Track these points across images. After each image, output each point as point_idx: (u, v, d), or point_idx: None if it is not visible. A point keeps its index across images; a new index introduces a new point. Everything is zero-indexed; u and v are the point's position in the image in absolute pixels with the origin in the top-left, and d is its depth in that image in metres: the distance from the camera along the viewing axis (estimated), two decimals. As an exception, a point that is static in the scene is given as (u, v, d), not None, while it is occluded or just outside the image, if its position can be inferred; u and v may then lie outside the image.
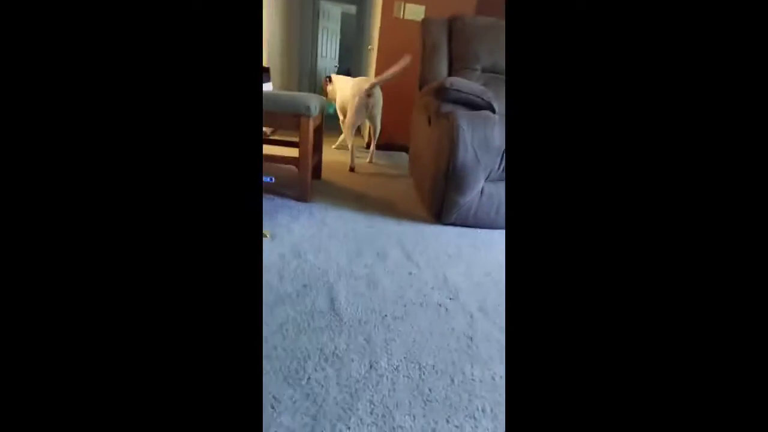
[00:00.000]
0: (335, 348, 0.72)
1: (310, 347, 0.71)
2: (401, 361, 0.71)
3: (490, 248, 1.30)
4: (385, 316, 0.84)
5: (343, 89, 2.44)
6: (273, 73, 2.74)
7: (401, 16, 2.72)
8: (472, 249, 1.27)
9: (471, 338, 0.81)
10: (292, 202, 1.53)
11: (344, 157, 2.51)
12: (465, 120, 1.31)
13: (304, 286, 0.92)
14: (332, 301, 0.87)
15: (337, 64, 6.95)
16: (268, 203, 1.48)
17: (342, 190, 1.81)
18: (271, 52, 2.72)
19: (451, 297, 0.96)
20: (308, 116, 1.43)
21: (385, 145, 3.04)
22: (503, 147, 1.31)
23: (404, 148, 3.03)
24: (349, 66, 7.16)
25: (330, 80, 2.65)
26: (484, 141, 1.31)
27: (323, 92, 2.73)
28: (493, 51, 1.77)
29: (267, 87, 1.67)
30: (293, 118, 1.44)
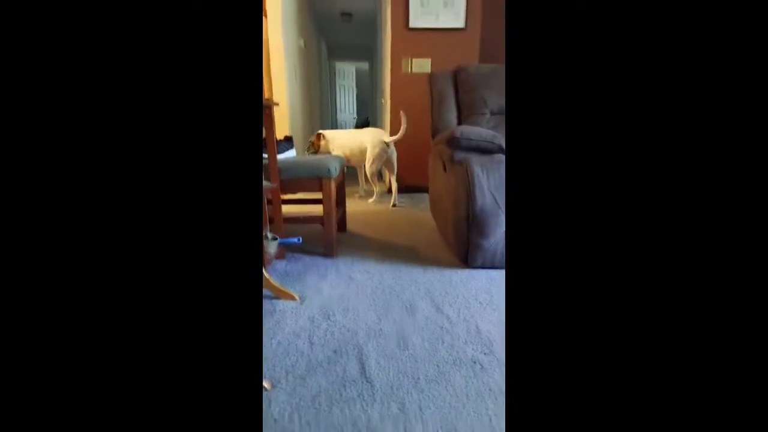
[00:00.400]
0: (368, 420, 0.71)
1: (343, 421, 0.70)
2: (438, 430, 0.69)
3: (521, 292, 1.26)
4: (418, 379, 0.82)
5: (345, 142, 2.60)
6: (296, 140, 2.93)
7: (409, 71, 2.88)
8: (503, 294, 1.24)
9: (510, 397, 0.77)
10: (320, 259, 1.57)
11: (366, 207, 2.57)
12: (479, 166, 1.34)
13: (335, 351, 0.92)
14: (363, 365, 0.87)
15: (355, 116, 7.34)
16: (298, 264, 1.53)
17: (367, 241, 1.84)
18: (292, 121, 2.93)
19: (486, 351, 0.93)
20: (329, 177, 1.51)
21: (406, 187, 3.10)
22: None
23: (424, 189, 3.08)
24: (367, 116, 7.54)
25: (321, 137, 2.65)
26: (500, 184, 1.32)
27: (314, 149, 2.69)
28: (500, 94, 1.82)
29: (291, 154, 1.79)
30: (316, 180, 1.52)
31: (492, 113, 1.87)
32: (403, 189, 3.10)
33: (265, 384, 0.78)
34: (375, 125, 5.70)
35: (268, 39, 2.67)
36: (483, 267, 1.44)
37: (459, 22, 2.87)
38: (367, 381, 0.82)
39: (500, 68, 1.92)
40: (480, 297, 1.22)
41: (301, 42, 3.47)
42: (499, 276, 1.39)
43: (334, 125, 6.55)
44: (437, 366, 0.87)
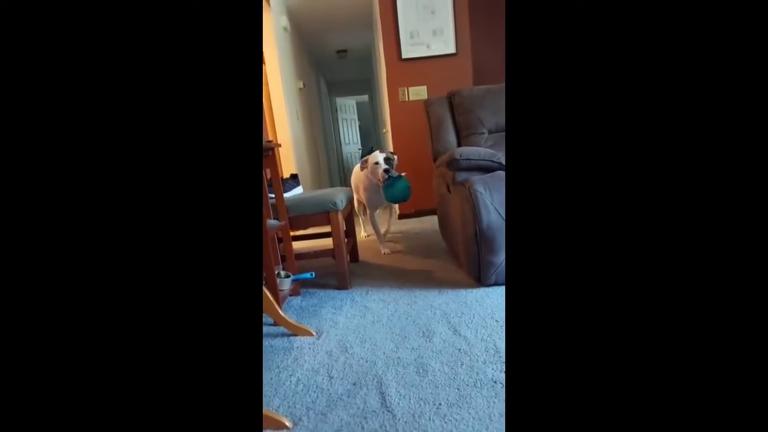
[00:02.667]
0: (392, 451, 0.70)
1: (366, 454, 0.70)
2: (462, 456, 0.67)
3: (539, 306, 1.24)
4: (440, 405, 0.81)
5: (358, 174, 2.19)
6: (303, 177, 3.02)
7: (407, 100, 2.98)
8: (520, 310, 1.22)
9: (535, 417, 0.75)
10: (335, 292, 1.59)
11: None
12: (481, 185, 1.36)
13: (354, 384, 0.92)
14: (383, 396, 0.86)
15: (360, 147, 7.51)
16: (313, 298, 1.55)
17: (380, 269, 1.85)
18: (298, 159, 3.03)
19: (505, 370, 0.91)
20: (336, 210, 1.55)
21: (415, 212, 3.13)
22: (525, 201, 1.32)
23: (432, 212, 3.10)
24: (371, 146, 7.72)
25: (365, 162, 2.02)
26: (504, 200, 1.33)
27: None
28: (495, 113, 1.87)
29: (298, 191, 1.85)
30: (324, 215, 1.56)
31: (490, 132, 1.91)
32: (411, 214, 3.13)
33: (286, 422, 0.78)
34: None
35: (267, 84, 2.82)
36: (497, 284, 1.43)
37: (450, 49, 2.98)
38: (389, 411, 0.81)
39: (493, 88, 1.97)
40: (496, 315, 1.21)
41: (300, 83, 3.64)
42: (514, 292, 1.37)
43: (340, 158, 6.72)
44: (458, 389, 0.86)
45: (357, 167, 2.21)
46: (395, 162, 1.96)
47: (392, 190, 1.89)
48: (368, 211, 2.17)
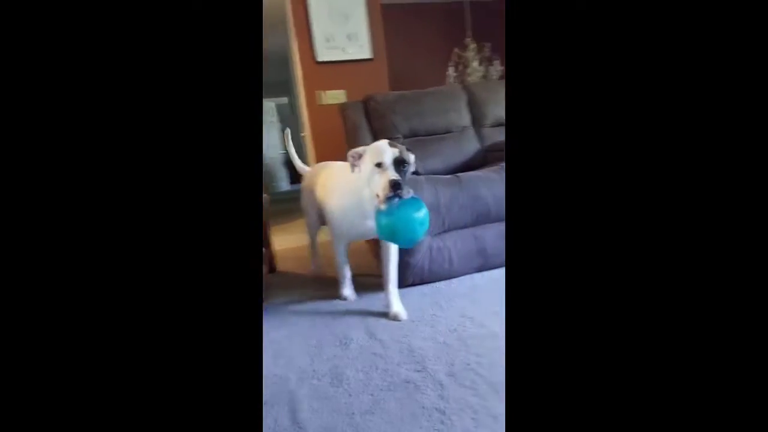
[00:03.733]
0: (300, 472, 0.67)
1: (272, 480, 0.66)
2: (373, 464, 0.67)
3: (451, 301, 1.31)
4: (353, 414, 0.80)
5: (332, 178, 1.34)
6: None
7: (324, 103, 2.95)
8: (435, 307, 1.28)
9: (443, 411, 0.78)
10: (250, 307, 1.49)
11: (299, 242, 2.51)
12: (393, 188, 1.38)
13: (265, 403, 0.87)
14: (294, 413, 0.82)
15: (282, 151, 7.24)
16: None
17: (299, 278, 1.79)
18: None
19: (418, 369, 0.94)
20: (247, 220, 1.46)
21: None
22: (435, 203, 1.39)
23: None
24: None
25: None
26: (416, 203, 1.38)
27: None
28: (408, 118, 1.94)
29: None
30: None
31: (405, 137, 1.97)
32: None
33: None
34: (302, 159, 5.64)
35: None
36: (413, 284, 1.48)
37: (366, 53, 3.02)
38: (300, 428, 0.77)
39: (406, 94, 2.04)
40: (412, 314, 1.24)
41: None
42: (430, 290, 1.43)
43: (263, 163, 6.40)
44: (371, 395, 0.86)
45: (317, 166, 1.41)
46: (410, 168, 1.06)
47: (394, 220, 0.98)
48: (334, 242, 1.31)
